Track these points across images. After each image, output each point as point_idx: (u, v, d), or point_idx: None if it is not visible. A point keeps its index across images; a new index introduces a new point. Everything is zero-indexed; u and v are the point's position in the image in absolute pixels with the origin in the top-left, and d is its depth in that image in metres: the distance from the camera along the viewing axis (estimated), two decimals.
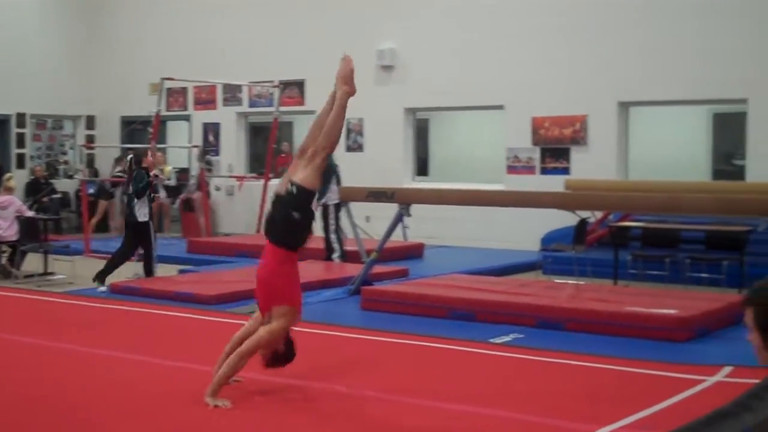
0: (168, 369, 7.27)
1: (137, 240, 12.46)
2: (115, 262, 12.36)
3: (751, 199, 10.09)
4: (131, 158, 13.06)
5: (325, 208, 13.63)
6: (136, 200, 12.27)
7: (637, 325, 8.56)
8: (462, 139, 20.30)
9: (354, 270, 11.66)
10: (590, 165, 15.76)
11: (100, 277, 12.04)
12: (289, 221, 6.18)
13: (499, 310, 9.39)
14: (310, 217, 6.30)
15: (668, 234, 12.67)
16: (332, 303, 10.66)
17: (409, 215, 11.17)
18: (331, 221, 13.74)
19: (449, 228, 16.63)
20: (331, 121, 6.51)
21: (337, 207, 13.66)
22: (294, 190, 6.24)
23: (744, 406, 6.04)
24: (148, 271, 12.50)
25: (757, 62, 14.34)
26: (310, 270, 12.87)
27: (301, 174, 6.31)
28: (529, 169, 16.33)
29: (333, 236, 13.72)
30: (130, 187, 12.44)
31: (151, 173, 12.58)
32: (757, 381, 6.67)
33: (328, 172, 13.84)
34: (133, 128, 20.00)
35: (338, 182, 13.77)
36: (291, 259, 6.25)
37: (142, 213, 12.27)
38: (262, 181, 17.66)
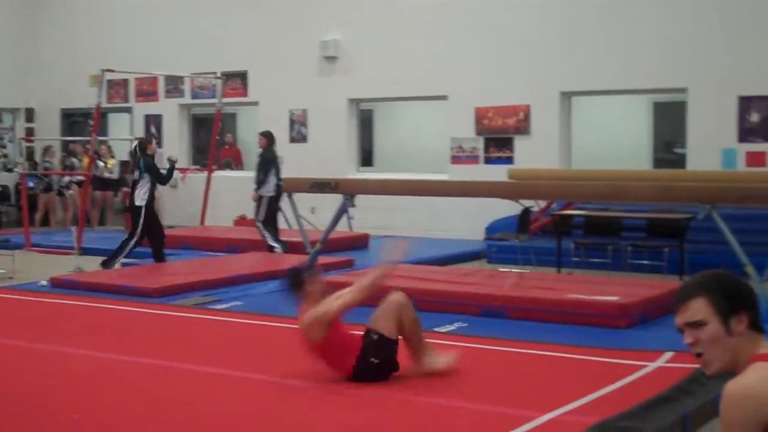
0: (112, 362, 7.19)
1: (137, 223, 12.65)
2: (121, 246, 12.62)
3: (691, 186, 10.21)
4: (136, 145, 13.31)
5: (260, 199, 13.61)
6: (138, 185, 12.60)
7: (580, 313, 8.63)
8: (406, 129, 20.32)
9: (299, 261, 11.60)
10: (534, 154, 15.86)
11: (107, 263, 12.41)
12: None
13: (443, 299, 9.41)
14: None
15: (610, 222, 12.79)
16: (277, 294, 10.59)
17: (353, 206, 11.16)
18: (260, 214, 13.69)
19: (394, 218, 16.64)
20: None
21: (273, 200, 13.59)
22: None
23: (684, 391, 6.17)
24: (159, 257, 12.73)
25: (697, 52, 14.52)
26: (253, 262, 12.84)
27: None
28: (473, 159, 16.40)
29: (260, 226, 13.71)
30: (136, 173, 12.76)
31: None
32: (696, 366, 6.78)
33: (268, 164, 13.79)
34: (74, 121, 19.74)
35: (278, 174, 13.69)
36: None
37: (139, 197, 12.50)
38: (205, 174, 17.53)
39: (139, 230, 12.54)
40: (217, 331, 8.60)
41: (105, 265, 12.48)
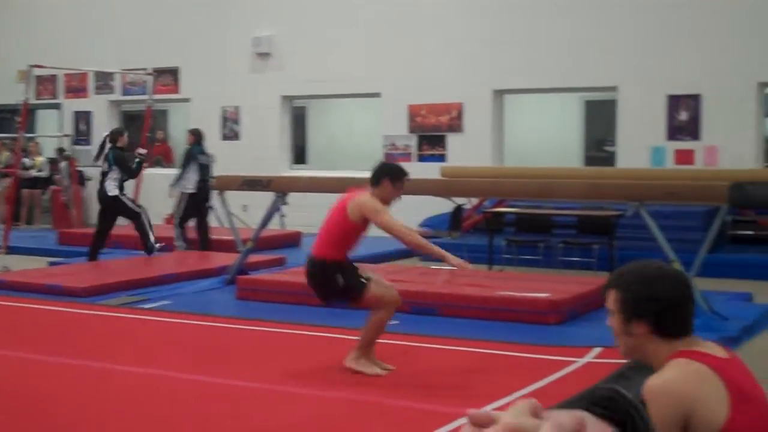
0: (35, 363, 7.05)
1: (111, 216, 12.59)
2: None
3: (620, 184, 10.32)
4: (106, 136, 13.07)
5: (181, 195, 13.47)
6: (107, 176, 12.49)
7: (510, 309, 8.68)
8: (340, 126, 20.28)
9: (230, 259, 11.52)
10: (466, 152, 15.92)
11: (150, 251, 12.59)
12: None
13: None
14: None
15: (541, 219, 12.88)
16: (207, 293, 10.53)
17: (285, 203, 11.10)
18: (179, 211, 13.53)
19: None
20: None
21: (192, 197, 13.39)
22: None
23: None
24: (94, 254, 12.53)
25: (627, 51, 14.69)
26: (185, 260, 12.71)
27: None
28: (405, 157, 16.39)
29: (176, 222, 13.60)
30: (104, 165, 12.59)
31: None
32: (624, 362, 6.83)
33: (188, 161, 13.63)
34: (1, 117, 19.37)
35: (201, 172, 13.42)
36: None
37: (111, 188, 12.43)
38: None
39: (134, 210, 12.63)
40: (145, 331, 8.48)
41: (149, 252, 12.63)
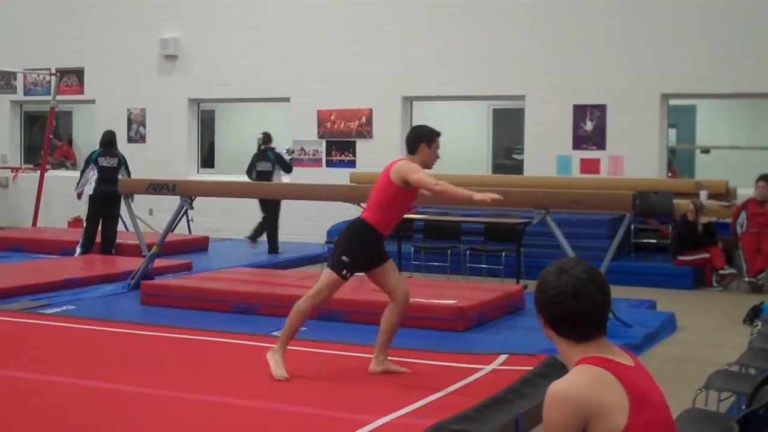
0: None
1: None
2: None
3: (527, 192, 10.41)
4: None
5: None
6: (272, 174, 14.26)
7: (418, 316, 8.64)
8: (249, 131, 20.09)
9: (135, 264, 11.32)
10: (376, 158, 15.89)
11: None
12: None
13: (282, 303, 9.26)
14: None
15: (449, 226, 12.94)
16: (111, 298, 10.33)
17: (191, 208, 10.94)
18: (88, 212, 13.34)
19: (235, 221, 16.43)
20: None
21: (91, 198, 13.14)
22: None
23: (517, 392, 6.25)
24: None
25: (534, 60, 14.87)
26: (87, 264, 12.46)
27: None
28: (315, 162, 16.35)
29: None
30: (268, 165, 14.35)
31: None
32: (530, 368, 6.90)
33: (86, 163, 13.43)
34: None
35: (103, 174, 13.17)
36: None
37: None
38: (38, 173, 16.93)
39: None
40: (46, 336, 8.26)
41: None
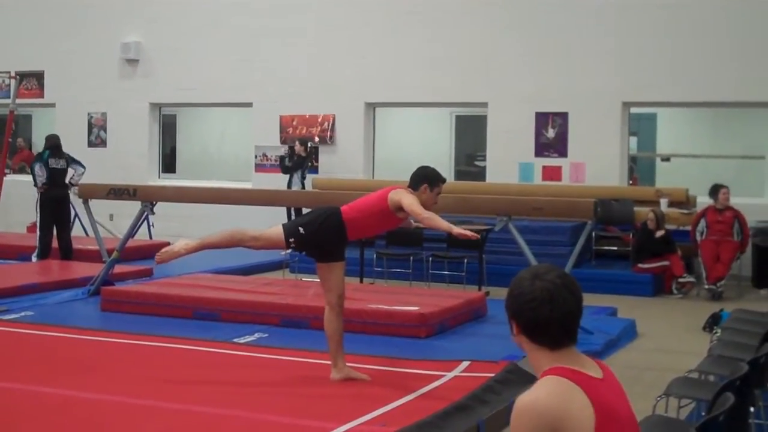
0: None
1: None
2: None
3: (489, 198, 10.47)
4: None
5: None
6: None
7: (380, 323, 8.66)
8: (211, 136, 20.04)
9: (95, 270, 11.22)
10: (338, 164, 15.92)
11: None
12: None
13: (244, 309, 9.28)
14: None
15: (412, 233, 12.90)
16: (70, 304, 10.22)
17: (152, 213, 10.87)
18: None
19: (196, 226, 16.26)
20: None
21: (43, 203, 13.00)
22: None
23: (479, 399, 6.26)
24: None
25: (497, 67, 14.92)
26: (46, 270, 12.33)
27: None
28: (277, 168, 16.28)
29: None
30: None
31: None
32: (491, 375, 6.91)
33: (37, 159, 13.29)
34: None
35: (52, 178, 13.03)
36: None
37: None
38: None
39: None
40: (3, 342, 8.17)
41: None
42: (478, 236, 6.81)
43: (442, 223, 6.55)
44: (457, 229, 6.45)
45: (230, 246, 6.91)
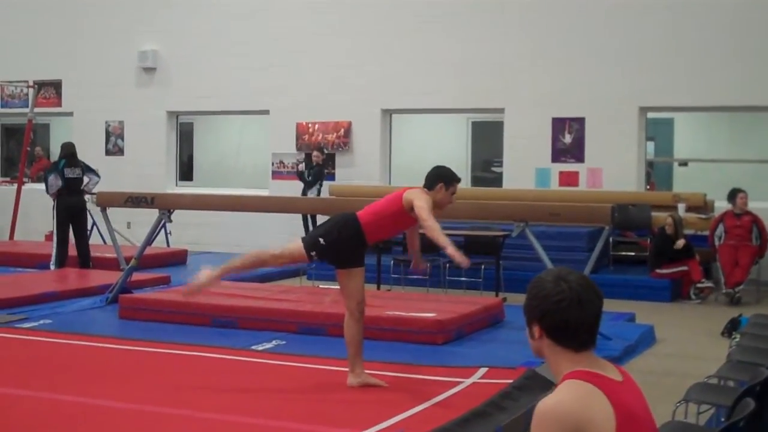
0: None
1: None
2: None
3: (506, 205, 10.44)
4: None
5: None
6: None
7: (398, 329, 8.65)
8: (228, 143, 20.06)
9: (113, 278, 11.25)
10: (355, 171, 15.94)
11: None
12: None
13: (261, 316, 9.29)
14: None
15: (428, 239, 12.89)
16: (88, 312, 10.25)
17: (170, 221, 10.89)
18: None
19: (213, 234, 16.39)
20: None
21: (59, 212, 13.04)
22: None
23: (497, 406, 6.24)
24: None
25: (513, 73, 14.91)
26: (65, 278, 12.37)
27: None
28: (294, 175, 16.31)
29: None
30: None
31: None
32: (509, 381, 6.89)
33: (53, 169, 13.34)
34: None
35: (68, 186, 13.08)
36: None
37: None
38: (15, 186, 16.82)
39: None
40: (23, 351, 8.20)
41: None
42: (469, 262, 6.75)
43: (440, 237, 6.52)
44: (451, 249, 6.45)
45: (253, 268, 6.96)
